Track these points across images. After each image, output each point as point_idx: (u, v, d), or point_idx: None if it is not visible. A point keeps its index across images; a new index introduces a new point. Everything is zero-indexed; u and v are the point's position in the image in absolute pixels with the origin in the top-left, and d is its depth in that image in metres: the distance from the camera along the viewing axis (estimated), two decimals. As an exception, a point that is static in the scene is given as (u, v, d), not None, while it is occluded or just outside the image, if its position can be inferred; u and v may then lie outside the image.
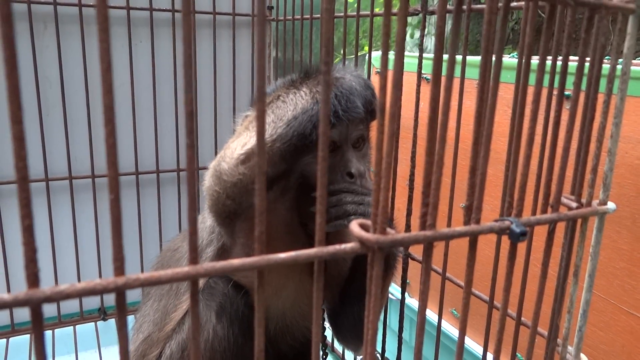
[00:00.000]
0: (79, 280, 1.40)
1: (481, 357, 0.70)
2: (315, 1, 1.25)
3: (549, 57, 0.42)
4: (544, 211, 0.46)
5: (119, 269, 0.28)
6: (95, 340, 1.42)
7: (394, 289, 1.27)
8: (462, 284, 0.57)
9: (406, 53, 0.96)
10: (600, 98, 0.45)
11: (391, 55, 0.35)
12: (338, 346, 1.33)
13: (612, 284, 0.84)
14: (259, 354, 0.34)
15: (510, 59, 0.98)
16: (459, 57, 0.77)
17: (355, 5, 1.06)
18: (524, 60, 0.41)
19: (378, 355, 1.13)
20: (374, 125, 0.79)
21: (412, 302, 1.30)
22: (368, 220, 0.34)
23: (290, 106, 0.69)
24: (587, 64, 0.45)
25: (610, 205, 0.48)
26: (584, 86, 0.45)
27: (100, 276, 1.43)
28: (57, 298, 0.26)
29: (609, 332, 0.86)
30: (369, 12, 1.01)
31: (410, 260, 1.02)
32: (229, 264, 0.31)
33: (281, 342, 0.91)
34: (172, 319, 0.87)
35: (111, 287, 0.28)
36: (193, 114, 0.27)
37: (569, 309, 0.51)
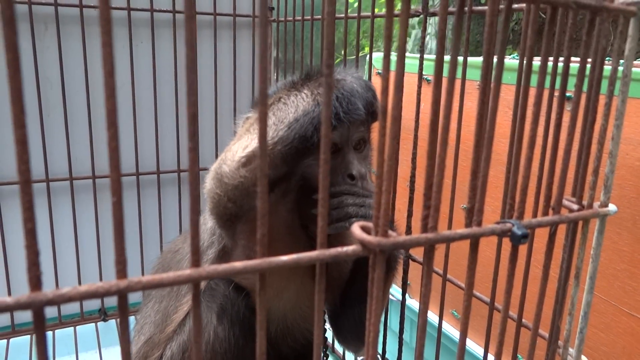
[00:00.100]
0: (79, 281, 1.40)
1: (482, 358, 0.70)
2: (315, 2, 1.25)
3: (550, 59, 0.42)
4: (545, 213, 0.46)
5: (121, 271, 0.28)
6: (95, 341, 1.43)
7: (395, 290, 1.27)
8: (463, 285, 0.57)
9: (407, 54, 0.96)
10: (602, 100, 0.46)
11: (392, 56, 0.35)
12: (339, 347, 1.33)
13: (613, 286, 0.84)
14: (261, 356, 0.34)
15: (510, 60, 0.98)
16: (460, 59, 0.77)
17: (356, 5, 1.06)
18: (525, 63, 0.41)
19: (379, 356, 1.13)
20: (375, 126, 0.79)
21: (413, 303, 1.30)
22: (370, 223, 0.34)
23: (292, 108, 0.69)
24: (588, 66, 0.45)
25: (612, 207, 0.48)
26: (585, 88, 0.45)
27: (100, 277, 1.43)
28: (59, 301, 0.26)
29: (609, 334, 0.86)
30: (369, 13, 1.01)
31: (411, 261, 1.02)
32: (231, 266, 0.31)
33: (282, 344, 0.91)
34: (173, 320, 0.87)
35: (113, 289, 0.28)
36: (196, 117, 0.27)
37: (570, 311, 0.51)
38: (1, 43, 0.24)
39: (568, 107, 0.75)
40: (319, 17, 1.20)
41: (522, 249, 0.44)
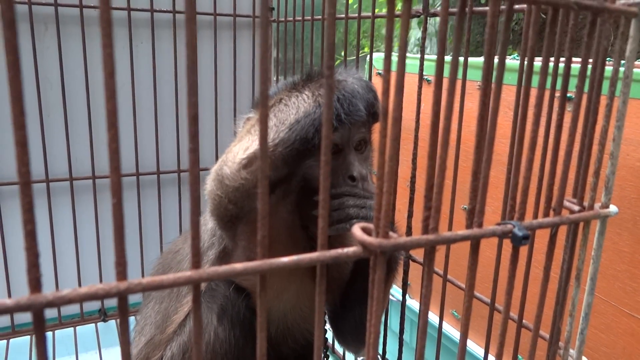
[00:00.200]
0: (79, 281, 1.40)
1: (482, 359, 0.70)
2: (316, 2, 1.25)
3: (551, 59, 0.42)
4: (546, 214, 0.46)
5: (121, 273, 0.28)
6: (95, 342, 1.42)
7: (395, 290, 1.27)
8: (464, 286, 0.57)
9: (407, 55, 0.96)
10: (603, 101, 0.45)
11: (393, 57, 0.35)
12: (339, 348, 1.33)
13: (613, 286, 0.84)
14: (262, 358, 0.34)
15: (511, 61, 0.98)
16: (460, 59, 0.77)
17: (356, 6, 1.06)
18: (526, 63, 0.41)
19: (379, 357, 1.13)
20: (376, 127, 0.79)
21: (413, 303, 1.30)
22: (370, 224, 0.34)
23: (293, 110, 0.69)
24: (589, 67, 0.45)
25: (613, 208, 0.48)
26: (586, 89, 0.45)
27: (100, 277, 1.43)
28: (59, 303, 0.26)
29: (610, 334, 0.85)
30: (370, 14, 1.01)
31: (411, 262, 1.02)
32: (232, 268, 0.31)
33: (282, 345, 0.91)
34: (174, 321, 0.87)
35: (113, 291, 0.28)
36: (197, 118, 0.27)
37: (571, 312, 0.51)
38: (1, 44, 0.23)
39: (569, 108, 0.75)
40: (319, 17, 1.20)
41: (523, 249, 0.44)
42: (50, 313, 1.41)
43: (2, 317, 1.38)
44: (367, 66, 1.26)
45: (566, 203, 0.47)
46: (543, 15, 0.41)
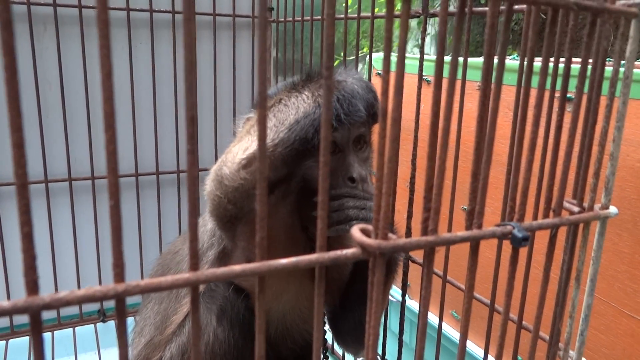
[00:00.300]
0: (78, 282, 1.40)
1: (482, 360, 0.69)
2: (315, 2, 1.25)
3: (551, 60, 0.42)
4: (546, 215, 0.46)
5: (119, 275, 0.28)
6: (94, 342, 1.42)
7: (395, 291, 1.26)
8: (463, 287, 0.57)
9: (406, 55, 0.96)
10: (603, 101, 0.45)
11: (392, 57, 0.35)
12: (338, 349, 1.33)
13: (613, 287, 0.84)
14: (260, 359, 0.34)
15: (511, 61, 0.98)
16: (460, 59, 0.77)
17: (356, 6, 1.06)
18: (525, 64, 0.41)
19: (379, 357, 1.13)
20: (376, 128, 0.79)
21: (413, 304, 1.30)
22: (369, 226, 0.34)
23: (292, 110, 0.69)
24: (589, 67, 0.44)
25: (613, 209, 0.48)
26: (586, 89, 0.45)
27: (99, 277, 1.43)
28: (56, 305, 0.26)
29: (610, 335, 0.85)
30: (369, 14, 1.01)
31: (410, 262, 1.02)
32: (230, 270, 0.30)
33: (281, 346, 0.91)
34: (173, 321, 0.86)
35: (111, 293, 0.27)
36: (195, 120, 0.27)
37: (571, 313, 0.51)
38: (-2, 45, 0.23)
39: (569, 109, 0.75)
40: (319, 17, 1.20)
41: (523, 250, 0.44)
42: (49, 314, 1.41)
43: (1, 318, 1.38)
44: (366, 66, 1.26)
45: (566, 204, 0.47)
46: (543, 16, 0.41)
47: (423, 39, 0.90)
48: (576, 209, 0.47)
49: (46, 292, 0.26)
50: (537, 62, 0.42)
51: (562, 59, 0.43)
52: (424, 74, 0.91)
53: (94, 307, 1.50)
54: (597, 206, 0.48)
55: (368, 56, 1.10)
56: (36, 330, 0.27)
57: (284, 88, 0.76)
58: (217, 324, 0.78)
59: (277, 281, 0.85)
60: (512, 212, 0.43)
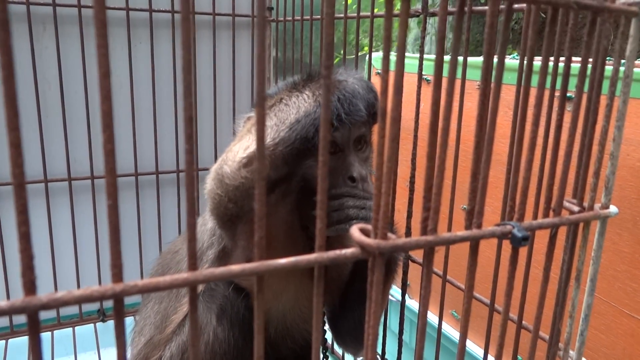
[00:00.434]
0: (78, 281, 1.40)
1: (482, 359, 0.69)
2: (315, 1, 1.25)
3: (551, 59, 0.42)
4: (546, 215, 0.45)
5: (117, 275, 0.28)
6: (94, 342, 1.42)
7: (394, 291, 1.26)
8: (463, 286, 0.57)
9: (406, 54, 0.96)
10: (603, 101, 0.45)
11: (392, 56, 0.35)
12: (338, 349, 1.33)
13: (613, 287, 0.84)
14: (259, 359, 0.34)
15: (511, 60, 0.98)
16: (460, 59, 0.77)
17: (355, 6, 1.06)
18: (525, 63, 0.40)
19: (378, 357, 1.13)
20: (376, 128, 0.79)
21: (413, 303, 1.30)
22: (369, 225, 0.34)
23: (293, 109, 0.69)
24: (589, 66, 0.44)
25: (613, 209, 0.48)
26: (586, 89, 0.45)
27: (99, 277, 1.43)
28: (54, 305, 0.26)
29: (610, 335, 0.85)
30: (369, 13, 1.01)
31: (410, 262, 1.02)
32: (229, 270, 0.30)
33: (281, 345, 0.91)
34: (173, 321, 0.86)
35: (109, 293, 0.27)
36: (192, 120, 0.27)
37: (571, 313, 0.50)
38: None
39: (569, 108, 0.75)
40: (319, 17, 1.20)
41: (523, 250, 0.44)
42: (49, 313, 1.41)
43: (0, 318, 1.38)
44: (366, 66, 1.26)
45: (566, 203, 0.47)
46: (543, 15, 0.41)
47: (423, 38, 0.90)
48: (576, 208, 0.46)
49: (46, 292, 0.26)
50: (537, 61, 0.42)
51: (562, 58, 0.43)
52: (423, 73, 0.91)
53: (93, 306, 1.50)
54: (597, 206, 0.48)
55: (368, 55, 1.10)
56: (33, 330, 0.26)
57: (284, 87, 0.76)
58: (217, 323, 0.78)
59: (277, 281, 0.85)
60: (512, 212, 0.43)
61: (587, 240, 0.48)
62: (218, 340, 0.78)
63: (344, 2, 1.14)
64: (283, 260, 0.32)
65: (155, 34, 1.37)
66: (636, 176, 0.79)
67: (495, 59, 0.38)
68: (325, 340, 1.04)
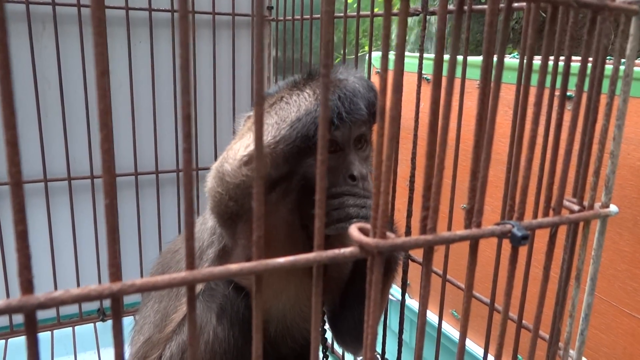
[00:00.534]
0: (77, 280, 1.40)
1: (482, 359, 0.69)
2: (315, 1, 1.25)
3: (551, 58, 0.42)
4: (546, 214, 0.45)
5: (115, 274, 0.28)
6: (94, 341, 1.42)
7: (394, 290, 1.26)
8: (463, 286, 0.57)
9: (406, 53, 0.96)
10: (603, 100, 0.45)
11: (391, 55, 0.35)
12: (338, 348, 1.33)
13: (614, 286, 0.84)
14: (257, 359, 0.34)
15: (511, 59, 0.97)
16: (459, 58, 0.77)
17: (355, 5, 1.06)
18: (525, 62, 0.40)
19: (378, 356, 1.13)
20: (376, 127, 0.78)
21: (412, 303, 1.30)
22: (368, 224, 0.34)
23: (294, 108, 0.69)
24: (589, 65, 0.44)
25: (613, 208, 0.47)
26: (586, 87, 0.44)
27: (99, 276, 1.42)
28: (51, 304, 0.26)
29: (610, 335, 0.85)
30: (369, 13, 1.01)
31: (410, 261, 1.02)
32: (227, 269, 0.30)
33: (281, 344, 0.91)
34: (172, 320, 0.86)
35: (106, 293, 0.27)
36: (190, 118, 0.27)
37: (571, 313, 0.50)
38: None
39: (569, 107, 0.75)
40: (318, 16, 1.20)
41: (523, 249, 0.43)
42: (49, 313, 1.41)
43: (1, 317, 1.38)
44: (366, 65, 1.26)
45: (566, 203, 0.47)
46: (542, 14, 0.41)
47: (422, 37, 0.90)
48: (576, 207, 0.46)
49: (46, 291, 0.26)
50: (537, 60, 0.41)
51: (562, 57, 0.43)
52: (423, 72, 0.91)
53: (93, 306, 1.50)
54: (597, 205, 0.48)
55: (367, 55, 1.09)
56: (30, 330, 0.26)
57: (285, 86, 0.76)
58: (217, 322, 0.78)
59: (277, 280, 0.85)
60: (511, 211, 0.43)
61: (587, 240, 0.48)
62: (218, 340, 0.78)
63: (343, 2, 1.14)
64: (281, 260, 0.32)
65: (155, 33, 1.37)
66: (636, 175, 0.79)
67: (495, 58, 0.38)
68: (326, 339, 1.04)
